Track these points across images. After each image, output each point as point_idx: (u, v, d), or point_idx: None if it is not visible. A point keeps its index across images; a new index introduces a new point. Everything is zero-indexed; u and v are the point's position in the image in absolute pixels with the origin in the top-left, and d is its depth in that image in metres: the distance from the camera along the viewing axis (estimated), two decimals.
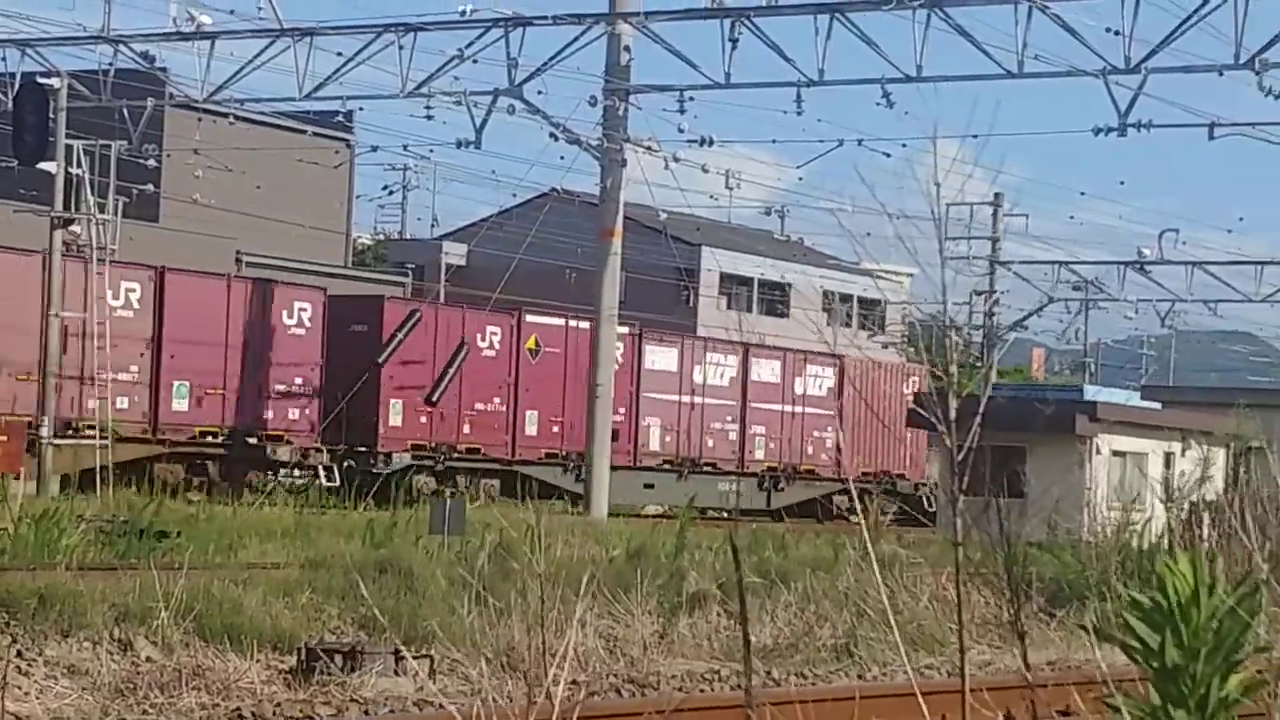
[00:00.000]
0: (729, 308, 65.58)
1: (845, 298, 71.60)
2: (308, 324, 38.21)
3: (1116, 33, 31.61)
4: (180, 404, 36.36)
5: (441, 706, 12.03)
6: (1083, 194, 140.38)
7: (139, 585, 15.76)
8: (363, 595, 16.30)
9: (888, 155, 33.51)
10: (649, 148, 36.62)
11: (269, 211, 49.94)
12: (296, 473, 37.05)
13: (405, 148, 42.31)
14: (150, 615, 15.27)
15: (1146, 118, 33.41)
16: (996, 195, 64.64)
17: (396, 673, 14.60)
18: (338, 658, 14.62)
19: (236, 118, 39.28)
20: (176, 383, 36.24)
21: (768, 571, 20.33)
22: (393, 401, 39.01)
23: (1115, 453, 35.01)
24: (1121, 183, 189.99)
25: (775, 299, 69.62)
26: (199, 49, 36.10)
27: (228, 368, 36.92)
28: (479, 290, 44.52)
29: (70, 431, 34.38)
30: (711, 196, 43.54)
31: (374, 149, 42.55)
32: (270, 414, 37.52)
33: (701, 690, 15.42)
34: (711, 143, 36.85)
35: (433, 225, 75.73)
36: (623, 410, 42.15)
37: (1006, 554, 14.53)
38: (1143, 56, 31.81)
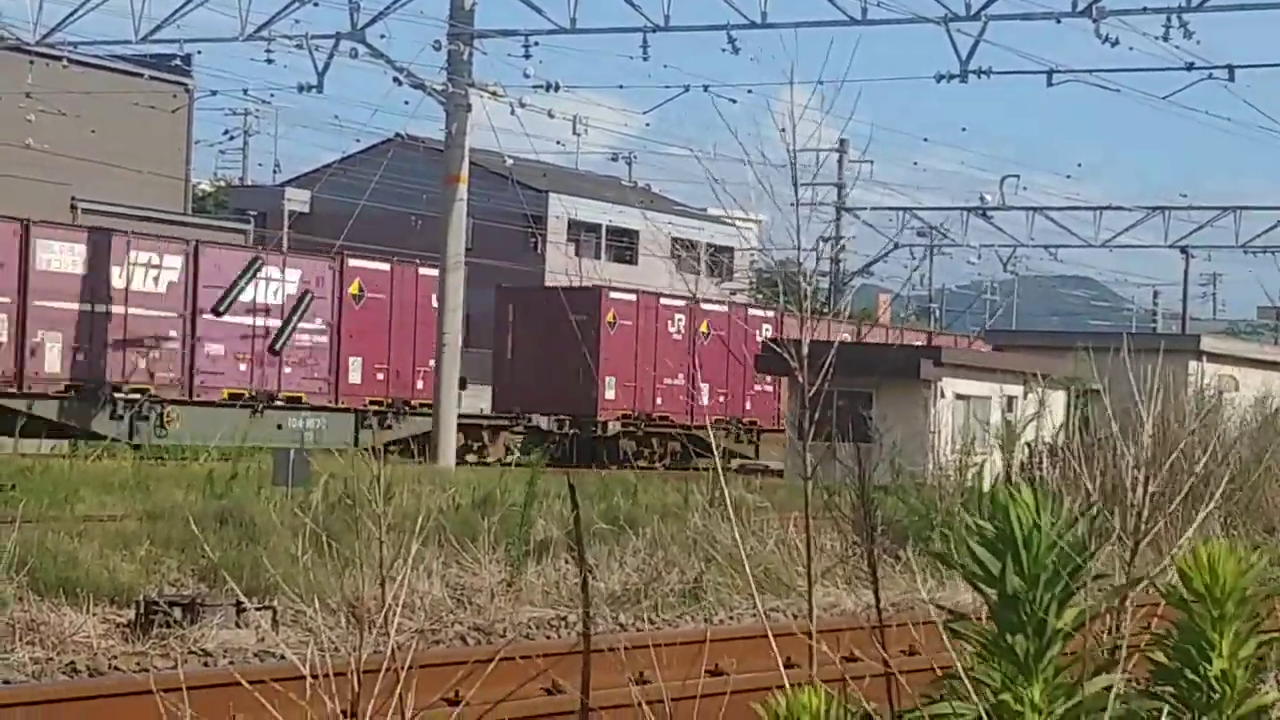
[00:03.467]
0: (577, 254, 65.46)
1: (693, 244, 71.74)
2: None
3: None
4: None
5: (282, 657, 11.84)
6: (926, 140, 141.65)
7: None
8: (203, 547, 16.03)
9: (734, 101, 33.52)
10: (494, 93, 36.32)
11: (105, 157, 48.86)
12: None
13: (245, 92, 41.65)
14: None
15: (987, 65, 33.76)
16: (842, 141, 65.02)
17: (238, 624, 14.35)
18: (177, 610, 14.34)
19: (70, 61, 38.39)
20: None
21: (616, 518, 20.28)
22: None
23: (959, 396, 35.38)
24: (963, 129, 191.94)
25: (624, 245, 69.56)
26: None
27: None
28: (323, 238, 43.97)
29: None
30: (558, 143, 43.39)
31: (213, 93, 41.89)
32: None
33: (547, 636, 15.34)
34: (558, 88, 36.64)
35: (275, 171, 74.89)
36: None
37: (862, 494, 14.57)
38: (983, 4, 32.04)
